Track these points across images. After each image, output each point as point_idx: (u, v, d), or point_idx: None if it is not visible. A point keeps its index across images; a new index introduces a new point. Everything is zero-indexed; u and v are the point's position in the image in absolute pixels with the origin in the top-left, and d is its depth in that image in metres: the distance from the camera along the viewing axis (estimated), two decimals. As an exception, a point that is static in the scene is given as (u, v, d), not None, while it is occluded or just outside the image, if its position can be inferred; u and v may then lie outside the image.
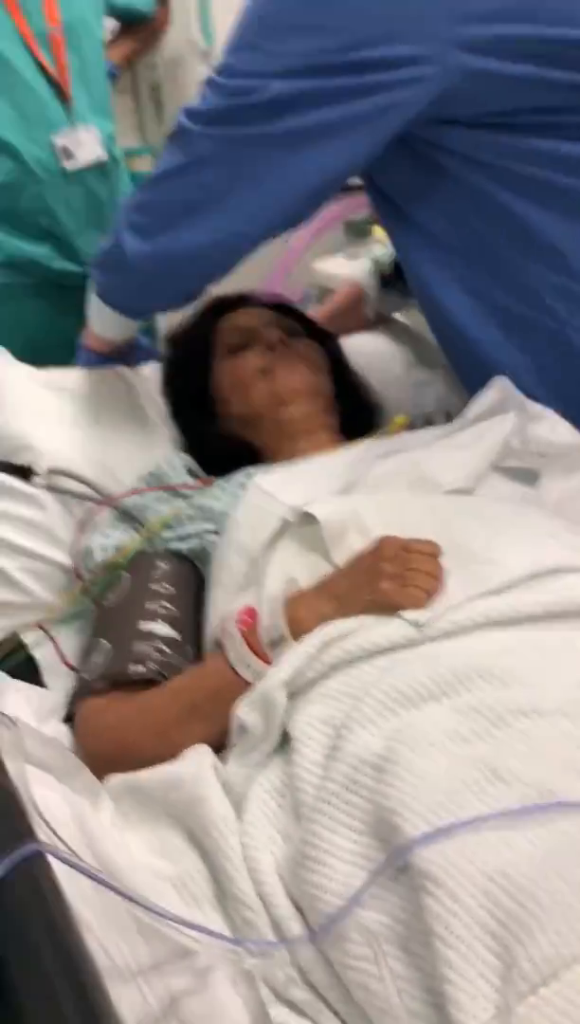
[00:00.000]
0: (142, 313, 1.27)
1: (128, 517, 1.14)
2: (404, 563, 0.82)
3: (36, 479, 1.18)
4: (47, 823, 0.66)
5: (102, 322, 1.29)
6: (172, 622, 0.98)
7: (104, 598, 1.05)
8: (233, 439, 1.25)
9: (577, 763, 0.64)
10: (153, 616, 0.98)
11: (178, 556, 1.07)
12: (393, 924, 0.59)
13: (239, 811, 0.74)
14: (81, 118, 1.78)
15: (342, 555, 0.89)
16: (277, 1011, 0.63)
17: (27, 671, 1.10)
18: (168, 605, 1.00)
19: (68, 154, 1.78)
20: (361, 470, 1.03)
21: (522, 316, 1.10)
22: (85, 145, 1.79)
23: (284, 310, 1.37)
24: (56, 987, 0.47)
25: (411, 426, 1.24)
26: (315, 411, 1.22)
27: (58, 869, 0.57)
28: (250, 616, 0.85)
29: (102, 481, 1.21)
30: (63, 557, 1.17)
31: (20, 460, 1.20)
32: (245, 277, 1.29)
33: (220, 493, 1.09)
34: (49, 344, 1.53)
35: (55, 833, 0.67)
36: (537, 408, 1.08)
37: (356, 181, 1.20)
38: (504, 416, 1.08)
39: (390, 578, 0.81)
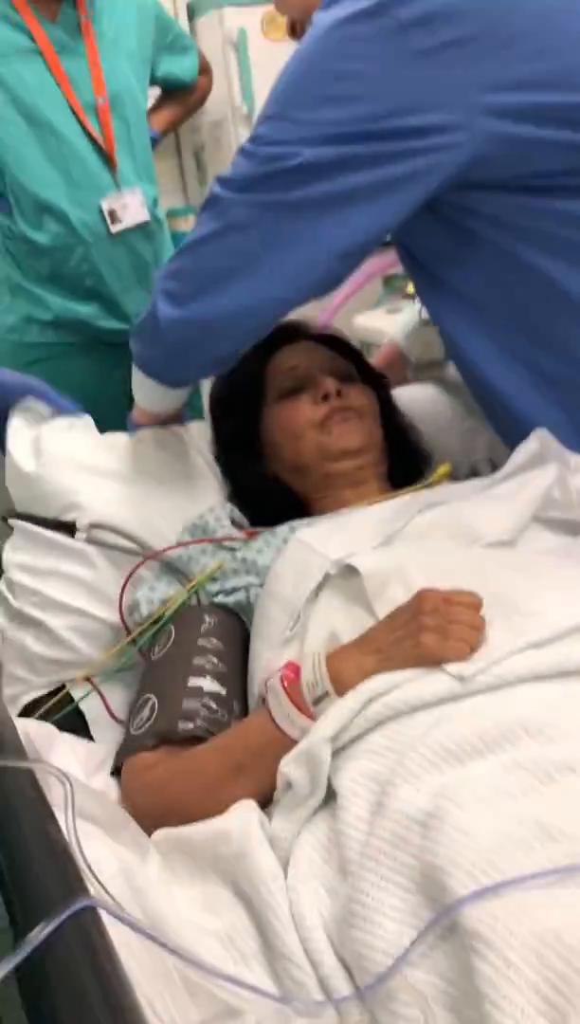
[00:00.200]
0: (180, 381, 1.27)
1: (173, 570, 1.15)
2: (446, 616, 0.82)
3: (78, 534, 1.20)
4: (97, 878, 0.67)
5: (147, 396, 1.30)
6: (219, 677, 0.99)
7: (151, 651, 1.06)
8: (278, 485, 1.25)
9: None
10: (201, 672, 0.98)
11: (224, 609, 1.08)
12: (443, 984, 0.58)
13: (285, 866, 0.74)
14: (126, 182, 1.85)
15: (384, 607, 0.89)
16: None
17: (75, 723, 1.11)
18: (215, 660, 1.00)
19: (114, 217, 1.84)
20: (403, 522, 1.03)
21: (558, 374, 1.11)
22: (130, 208, 1.86)
23: (338, 346, 1.36)
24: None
25: (455, 475, 1.24)
26: (365, 464, 1.22)
27: (108, 923, 0.58)
28: (293, 671, 0.86)
29: (148, 535, 1.22)
30: (111, 615, 1.18)
31: (68, 517, 1.22)
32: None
33: (264, 547, 1.11)
34: (97, 401, 1.57)
35: (104, 888, 0.67)
36: (578, 459, 1.08)
37: (394, 235, 1.21)
38: (545, 467, 1.08)
39: (432, 631, 0.81)
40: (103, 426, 1.44)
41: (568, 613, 0.83)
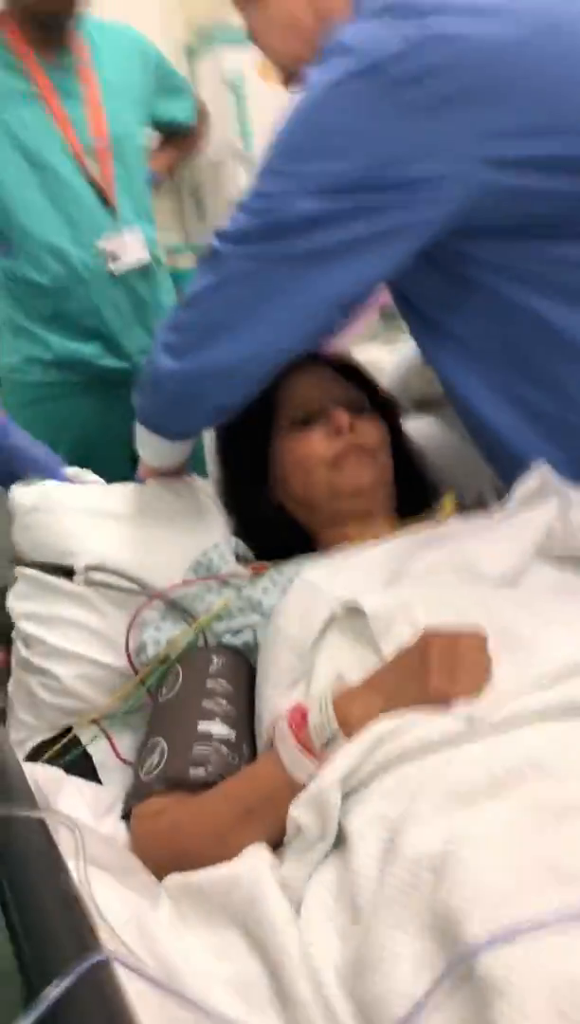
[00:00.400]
0: (182, 434, 1.27)
1: (178, 609, 1.15)
2: (452, 655, 0.82)
3: (76, 577, 1.19)
4: (110, 927, 0.66)
5: (151, 451, 1.30)
6: (229, 720, 0.99)
7: (159, 693, 1.06)
8: (285, 515, 1.25)
9: None
10: (210, 715, 0.98)
11: (232, 650, 1.08)
12: (459, 1032, 0.58)
13: (297, 910, 0.73)
14: (125, 223, 1.87)
15: (390, 647, 0.89)
16: None
17: (83, 767, 1.11)
18: (224, 702, 1.00)
19: (114, 257, 1.86)
20: (407, 560, 1.03)
21: (557, 416, 1.12)
22: (130, 248, 1.88)
23: (350, 372, 1.34)
24: None
25: (462, 505, 1.25)
26: (374, 502, 1.22)
27: (121, 973, 0.58)
28: (300, 714, 0.86)
29: (151, 576, 1.21)
30: (117, 659, 1.17)
31: (67, 562, 1.22)
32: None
33: (270, 586, 1.11)
34: (99, 439, 1.59)
35: (117, 937, 0.67)
36: (578, 494, 1.08)
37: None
38: (546, 503, 1.08)
39: (439, 672, 0.81)
40: (105, 463, 1.45)
41: (573, 650, 0.83)
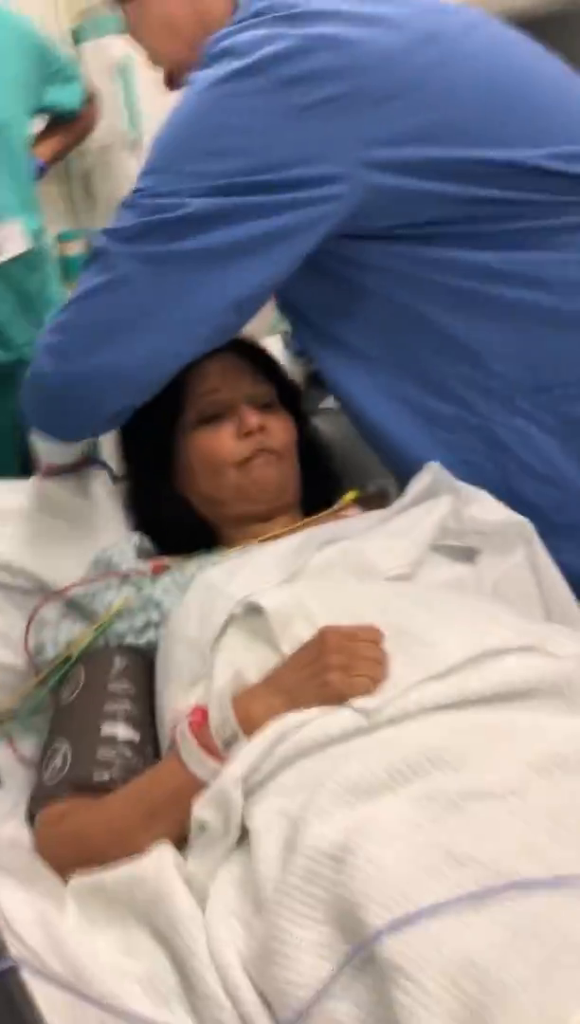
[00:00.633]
0: (71, 437, 1.23)
1: (77, 608, 1.14)
2: (349, 652, 0.84)
3: None
4: (16, 933, 0.67)
5: (46, 448, 1.26)
6: (132, 722, 0.99)
7: (60, 694, 1.05)
8: (189, 510, 1.23)
9: (531, 842, 0.66)
10: (114, 717, 0.98)
11: (134, 650, 1.07)
12: (363, 1016, 0.60)
13: (202, 906, 0.75)
14: (8, 212, 1.83)
15: (290, 644, 0.91)
16: None
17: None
18: (127, 704, 1.00)
19: (-6, 249, 1.82)
20: (304, 558, 1.05)
21: (447, 416, 1.14)
22: (11, 240, 1.83)
23: (260, 361, 1.29)
24: None
25: (365, 499, 1.26)
26: (280, 502, 1.21)
27: (29, 978, 0.58)
28: (201, 714, 0.87)
29: (51, 574, 1.20)
30: (17, 659, 1.15)
31: None
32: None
33: (172, 586, 1.10)
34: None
35: (23, 942, 0.67)
36: (470, 490, 1.11)
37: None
38: (438, 499, 1.11)
39: (337, 669, 0.83)
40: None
41: (466, 643, 0.86)
